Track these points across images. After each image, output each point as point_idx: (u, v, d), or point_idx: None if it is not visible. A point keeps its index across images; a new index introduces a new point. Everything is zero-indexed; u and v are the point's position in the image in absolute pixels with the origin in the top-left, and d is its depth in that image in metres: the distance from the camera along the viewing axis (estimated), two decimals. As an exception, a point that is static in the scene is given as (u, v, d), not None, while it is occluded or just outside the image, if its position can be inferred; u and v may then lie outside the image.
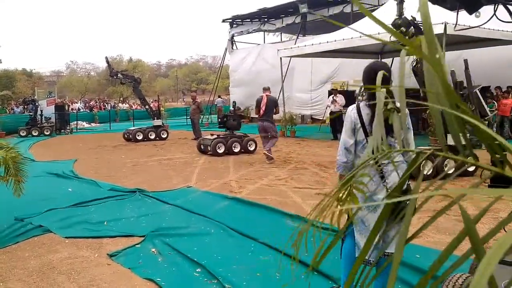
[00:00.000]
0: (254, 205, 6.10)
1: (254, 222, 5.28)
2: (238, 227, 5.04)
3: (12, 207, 6.03)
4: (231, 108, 12.25)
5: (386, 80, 2.87)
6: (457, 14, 3.49)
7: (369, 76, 2.94)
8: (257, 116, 10.38)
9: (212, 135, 11.73)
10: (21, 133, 18.24)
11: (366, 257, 3.04)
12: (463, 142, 0.66)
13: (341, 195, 0.93)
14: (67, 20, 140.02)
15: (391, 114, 0.86)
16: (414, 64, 7.66)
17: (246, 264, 4.03)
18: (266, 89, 10.19)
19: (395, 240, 2.60)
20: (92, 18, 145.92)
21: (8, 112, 24.79)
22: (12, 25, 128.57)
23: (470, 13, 2.56)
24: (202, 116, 23.91)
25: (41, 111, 19.64)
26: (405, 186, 2.87)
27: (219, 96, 28.46)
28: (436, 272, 0.57)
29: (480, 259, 0.53)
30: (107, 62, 16.10)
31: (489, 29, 9.14)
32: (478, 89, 8.96)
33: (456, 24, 6.44)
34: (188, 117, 18.06)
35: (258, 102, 9.94)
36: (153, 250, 4.46)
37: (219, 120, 12.17)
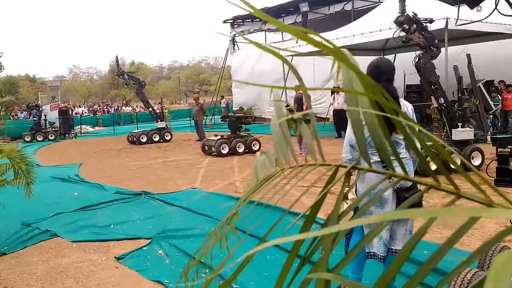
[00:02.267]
0: (259, 204, 6.09)
1: (260, 222, 5.28)
2: (244, 227, 5.03)
3: (19, 213, 6.07)
4: (234, 109, 12.36)
5: (390, 76, 2.86)
6: (458, 9, 3.48)
7: (373, 73, 2.93)
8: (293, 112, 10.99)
9: (216, 135, 11.74)
10: (25, 139, 18.31)
11: (375, 251, 3.04)
12: (388, 151, 0.57)
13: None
14: (69, 25, 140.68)
15: (298, 124, 0.78)
16: (416, 60, 7.64)
17: (253, 264, 4.03)
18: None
19: (402, 238, 2.61)
20: (94, 23, 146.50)
21: (12, 117, 24.90)
22: (14, 31, 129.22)
23: (472, 8, 2.55)
24: (205, 117, 23.98)
25: (45, 116, 19.71)
26: (410, 183, 2.87)
27: (222, 97, 28.51)
28: (435, 264, 0.55)
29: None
30: (117, 61, 16.26)
31: (490, 23, 9.11)
32: (482, 83, 8.95)
33: (457, 19, 6.42)
34: (192, 119, 18.10)
35: (300, 100, 10.83)
36: (160, 252, 4.47)
37: (227, 119, 12.27)
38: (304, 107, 11.09)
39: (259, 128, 18.32)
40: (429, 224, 0.52)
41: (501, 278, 0.36)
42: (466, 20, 7.64)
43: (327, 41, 0.53)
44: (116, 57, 16.20)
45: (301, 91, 11.12)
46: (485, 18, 3.70)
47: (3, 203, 5.98)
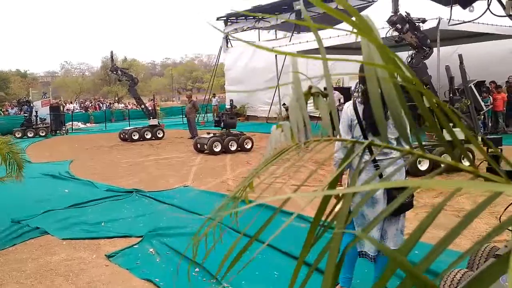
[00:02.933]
0: (251, 203, 6.09)
1: (250, 220, 5.28)
2: (235, 226, 5.03)
3: (9, 210, 6.01)
4: (227, 107, 12.35)
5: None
6: (451, 9, 3.49)
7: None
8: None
9: (208, 133, 11.71)
10: (16, 135, 18.13)
11: (366, 250, 3.05)
12: (408, 133, 0.60)
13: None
14: (61, 21, 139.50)
15: (315, 98, 0.78)
16: (409, 60, 7.67)
17: (244, 263, 4.02)
18: None
19: (393, 237, 2.62)
20: (86, 18, 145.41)
21: (2, 113, 24.66)
22: (5, 26, 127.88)
23: (464, 8, 2.56)
24: (198, 115, 23.94)
25: (36, 112, 19.54)
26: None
27: (214, 95, 28.46)
28: (428, 266, 0.56)
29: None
30: (112, 56, 16.18)
31: (483, 23, 9.16)
32: (474, 84, 9.00)
33: (450, 19, 6.45)
34: (184, 116, 18.04)
35: None
36: (151, 250, 4.45)
37: (215, 119, 12.30)
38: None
39: (252, 126, 18.33)
40: (452, 195, 0.52)
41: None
42: (458, 20, 7.68)
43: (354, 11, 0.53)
44: (111, 52, 16.13)
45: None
46: (477, 18, 3.73)
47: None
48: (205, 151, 11.13)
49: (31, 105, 19.92)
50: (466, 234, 4.34)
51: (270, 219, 0.71)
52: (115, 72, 16.07)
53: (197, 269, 3.92)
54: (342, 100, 14.18)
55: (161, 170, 9.25)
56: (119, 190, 7.19)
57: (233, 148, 11.28)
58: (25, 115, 19.80)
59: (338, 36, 12.83)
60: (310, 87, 0.74)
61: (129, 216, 5.70)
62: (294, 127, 0.72)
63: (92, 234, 5.03)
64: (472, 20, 4.56)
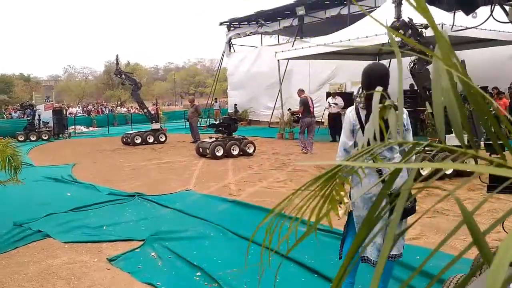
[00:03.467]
0: (253, 207, 6.09)
1: (253, 225, 5.27)
2: (237, 230, 5.03)
3: (11, 213, 6.02)
4: (229, 111, 12.46)
5: (383, 82, 2.86)
6: (454, 15, 3.49)
7: (368, 77, 2.94)
8: (299, 115, 12.28)
9: (210, 138, 11.73)
10: (19, 138, 18.16)
11: (368, 255, 3.05)
12: (465, 141, 0.67)
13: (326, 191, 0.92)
14: (64, 25, 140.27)
15: (387, 111, 0.86)
16: (411, 66, 7.68)
17: (249, 270, 4.02)
18: (303, 91, 12.14)
19: (396, 242, 2.59)
20: (89, 23, 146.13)
21: (5, 117, 24.75)
22: (9, 30, 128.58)
23: (467, 14, 2.56)
24: (200, 119, 23.96)
25: (39, 115, 19.60)
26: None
27: (215, 100, 28.54)
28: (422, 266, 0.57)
29: (483, 253, 0.53)
30: (117, 60, 16.23)
31: (485, 29, 9.17)
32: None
33: (453, 25, 6.47)
34: (186, 120, 18.07)
35: (306, 103, 11.53)
36: (153, 254, 4.45)
37: (210, 124, 12.50)
38: (312, 109, 11.81)
39: (254, 131, 18.34)
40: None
41: (504, 262, 0.37)
42: (461, 26, 7.69)
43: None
44: (117, 56, 16.19)
45: (306, 95, 11.81)
46: (480, 25, 3.73)
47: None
48: (207, 155, 11.14)
49: (34, 108, 19.98)
50: (467, 239, 4.32)
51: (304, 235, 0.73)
52: (119, 76, 16.12)
53: (198, 273, 3.92)
54: (341, 104, 14.19)
55: (163, 174, 9.26)
56: (121, 194, 7.20)
57: (235, 152, 11.29)
58: (28, 118, 19.85)
59: (341, 41, 12.85)
60: (384, 103, 0.87)
61: (131, 220, 5.70)
62: (371, 135, 0.82)
63: (94, 237, 5.03)
64: (476, 27, 4.57)
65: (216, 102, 28.29)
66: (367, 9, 17.34)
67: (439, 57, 0.61)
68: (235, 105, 23.17)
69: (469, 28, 5.49)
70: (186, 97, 25.85)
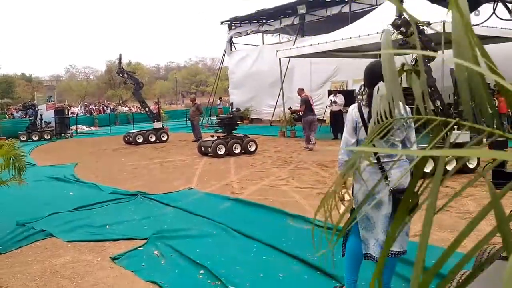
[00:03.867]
0: (255, 205, 6.10)
1: (256, 223, 5.29)
2: (240, 228, 5.04)
3: (14, 212, 6.04)
4: (231, 110, 12.50)
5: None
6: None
7: (370, 75, 2.93)
8: (301, 113, 12.45)
9: (212, 136, 11.73)
10: (21, 138, 18.21)
11: (371, 253, 3.05)
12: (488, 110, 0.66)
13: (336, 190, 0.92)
14: (65, 25, 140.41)
15: (408, 75, 0.85)
16: (413, 63, 7.66)
17: (249, 265, 4.03)
18: (303, 90, 12.54)
19: (398, 239, 2.61)
20: (90, 22, 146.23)
21: (8, 117, 24.80)
22: (10, 30, 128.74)
23: (470, 12, 2.55)
24: (202, 118, 23.94)
25: (41, 115, 19.64)
26: (407, 185, 2.88)
27: (220, 98, 28.58)
28: (440, 268, 0.57)
29: (506, 242, 0.53)
30: (120, 59, 16.18)
31: (487, 27, 9.15)
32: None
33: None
34: (188, 119, 18.08)
35: (308, 101, 11.92)
36: (156, 252, 4.46)
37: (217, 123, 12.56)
38: (313, 107, 12.21)
39: (255, 129, 18.34)
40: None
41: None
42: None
43: None
44: (120, 55, 16.16)
45: (306, 93, 11.97)
46: (483, 22, 3.72)
47: (-2, 202, 5.97)
48: (209, 154, 11.15)
49: (36, 108, 20.02)
50: (471, 236, 4.32)
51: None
52: (121, 75, 16.11)
53: (201, 271, 3.92)
54: (342, 102, 14.17)
55: (166, 173, 9.27)
56: (123, 193, 7.21)
57: (237, 150, 11.29)
58: (30, 118, 19.89)
59: (342, 39, 12.83)
60: (403, 64, 0.84)
61: (134, 219, 5.71)
62: (390, 99, 0.81)
63: (97, 236, 5.04)
64: (479, 24, 4.55)
65: (219, 100, 28.29)
66: (368, 7, 17.33)
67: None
68: (231, 103, 23.24)
69: (473, 26, 5.48)
70: (188, 96, 25.81)
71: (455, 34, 0.63)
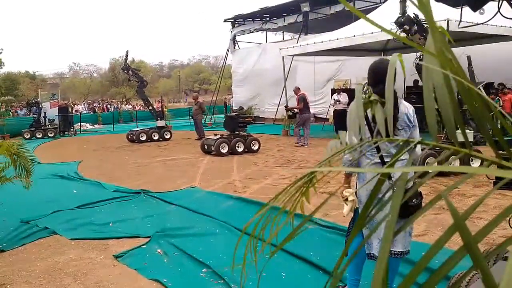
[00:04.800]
0: (258, 204, 6.09)
1: (259, 222, 5.28)
2: (243, 227, 5.03)
3: (18, 210, 6.06)
4: (234, 108, 12.60)
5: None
6: (461, 11, 3.46)
7: (374, 74, 2.92)
8: (297, 111, 12.96)
9: (215, 135, 11.74)
10: (25, 136, 18.30)
11: (374, 252, 3.04)
12: (462, 139, 0.67)
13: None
14: (69, 22, 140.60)
15: (373, 105, 0.85)
16: (417, 62, 7.64)
17: (251, 263, 4.03)
18: (299, 89, 13.08)
19: (401, 239, 2.61)
20: (94, 20, 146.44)
21: (12, 114, 24.88)
22: (14, 28, 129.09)
23: (475, 11, 2.54)
24: (205, 116, 23.95)
25: (45, 113, 19.70)
26: (410, 186, 2.87)
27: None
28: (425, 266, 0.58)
29: (475, 259, 0.53)
30: (126, 55, 16.18)
31: (492, 25, 9.10)
32: (482, 86, 8.94)
33: (460, 21, 6.43)
34: (191, 118, 18.09)
35: (305, 99, 12.49)
36: (159, 250, 4.47)
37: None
38: (310, 105, 12.71)
39: (258, 128, 18.33)
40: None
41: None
42: (467, 22, 7.63)
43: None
44: (127, 51, 16.15)
45: (303, 92, 12.26)
46: (488, 20, 3.70)
47: (2, 200, 5.99)
48: (212, 152, 11.16)
49: (40, 106, 20.07)
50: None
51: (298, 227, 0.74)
52: (126, 71, 16.10)
53: (204, 270, 3.93)
54: (345, 100, 14.15)
55: (169, 171, 9.29)
56: (127, 191, 7.23)
57: (240, 149, 11.30)
58: (34, 116, 19.96)
59: (346, 37, 12.80)
60: (369, 97, 0.84)
61: (137, 217, 5.72)
62: (351, 131, 0.81)
63: (100, 234, 5.06)
64: (484, 23, 4.52)
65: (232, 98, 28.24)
66: (372, 5, 17.27)
67: (433, 52, 0.61)
68: (241, 107, 23.25)
69: (476, 24, 5.43)
70: (191, 94, 25.80)
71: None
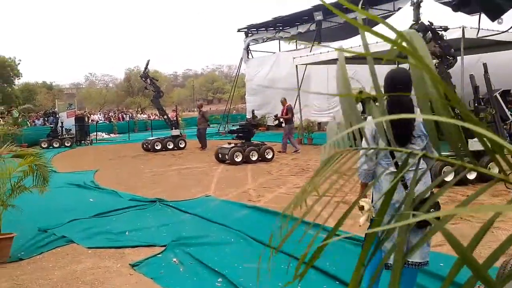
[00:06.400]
0: (273, 213, 6.08)
1: (274, 231, 5.27)
2: (258, 236, 5.03)
3: (36, 218, 6.15)
4: (247, 117, 12.68)
5: (407, 87, 2.83)
6: (479, 20, 3.43)
7: (391, 82, 2.90)
8: (281, 120, 13.72)
9: (229, 144, 11.77)
10: (42, 145, 18.58)
11: (391, 262, 2.99)
12: (462, 151, 0.66)
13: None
14: (85, 34, 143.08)
15: (366, 103, 0.85)
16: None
17: (267, 273, 4.02)
18: (286, 100, 13.80)
19: (419, 250, 2.57)
20: (109, 31, 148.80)
21: (29, 124, 25.32)
22: (32, 39, 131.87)
23: (493, 20, 2.52)
24: (218, 125, 24.04)
25: (62, 123, 20.00)
26: (428, 194, 2.84)
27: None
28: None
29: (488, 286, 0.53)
30: (147, 64, 16.48)
31: (507, 31, 8.99)
32: (499, 93, 8.83)
33: (478, 30, 6.38)
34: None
35: (292, 109, 13.60)
36: (175, 259, 4.49)
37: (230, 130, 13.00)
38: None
39: (272, 137, 18.34)
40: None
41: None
42: (482, 29, 7.57)
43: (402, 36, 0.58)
44: (148, 60, 16.43)
45: (289, 103, 12.83)
46: (507, 30, 3.67)
47: (21, 208, 6.08)
48: (226, 161, 11.19)
49: (57, 116, 20.39)
50: (492, 246, 4.24)
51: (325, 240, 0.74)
52: (144, 79, 16.31)
53: (220, 279, 3.93)
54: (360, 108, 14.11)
55: (183, 179, 9.34)
56: (142, 200, 7.29)
57: (254, 158, 11.31)
58: (51, 126, 20.26)
59: (360, 45, 12.76)
60: (360, 91, 0.82)
61: (153, 225, 5.76)
62: (348, 127, 0.80)
63: (116, 243, 5.11)
64: (502, 32, 4.48)
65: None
66: (385, 13, 17.24)
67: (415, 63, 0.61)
68: (253, 110, 23.29)
69: (495, 34, 5.38)
70: (205, 103, 25.91)
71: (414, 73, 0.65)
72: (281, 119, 13.65)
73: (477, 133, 0.61)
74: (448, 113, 0.62)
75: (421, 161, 2.93)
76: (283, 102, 13.72)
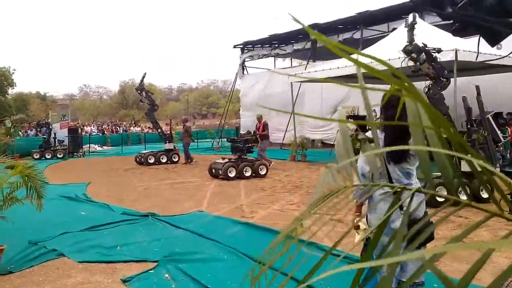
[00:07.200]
0: (266, 230, 6.06)
1: (272, 252, 5.25)
2: (250, 253, 5.00)
3: (26, 230, 6.08)
4: (241, 132, 12.81)
5: (404, 106, 2.86)
6: (478, 44, 3.49)
7: (387, 102, 2.94)
8: (257, 137, 13.77)
9: (223, 159, 11.77)
10: (34, 156, 18.43)
11: None
12: (455, 184, 0.67)
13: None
14: (80, 45, 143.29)
15: (362, 144, 0.87)
16: (426, 91, 7.69)
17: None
18: (262, 116, 14.11)
19: (413, 270, 2.59)
20: (105, 43, 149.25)
21: (21, 135, 25.14)
22: (26, 49, 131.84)
23: (492, 46, 2.58)
24: (212, 140, 24.05)
25: (55, 134, 19.89)
26: (422, 214, 2.85)
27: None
28: None
29: None
30: (143, 77, 16.48)
31: (500, 55, 9.15)
32: (491, 115, 8.95)
33: (477, 54, 6.50)
34: (198, 141, 18.15)
35: (267, 126, 13.80)
36: (167, 275, 4.45)
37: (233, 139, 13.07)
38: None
39: (266, 153, 18.33)
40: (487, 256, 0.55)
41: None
42: (475, 52, 7.70)
43: (392, 69, 0.59)
44: (145, 73, 16.47)
45: (265, 120, 13.05)
46: (506, 56, 3.76)
47: (11, 220, 6.01)
48: (220, 176, 11.17)
49: (50, 127, 20.29)
50: (486, 268, 4.25)
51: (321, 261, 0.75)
52: (139, 92, 16.34)
53: (212, 297, 3.89)
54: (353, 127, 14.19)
55: (176, 194, 9.29)
56: (135, 214, 7.23)
57: (248, 173, 11.30)
58: (44, 136, 20.14)
59: (354, 65, 12.90)
60: (357, 134, 0.83)
61: (145, 240, 5.71)
62: (343, 170, 0.80)
63: (108, 257, 5.05)
64: (506, 56, 4.57)
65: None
66: (380, 34, 17.49)
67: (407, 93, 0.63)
68: (237, 127, 23.45)
69: (496, 59, 5.50)
70: (199, 118, 25.92)
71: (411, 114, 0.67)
72: (257, 136, 13.68)
73: (468, 161, 0.63)
74: (441, 141, 0.63)
75: (416, 181, 2.95)
76: (259, 118, 13.90)
